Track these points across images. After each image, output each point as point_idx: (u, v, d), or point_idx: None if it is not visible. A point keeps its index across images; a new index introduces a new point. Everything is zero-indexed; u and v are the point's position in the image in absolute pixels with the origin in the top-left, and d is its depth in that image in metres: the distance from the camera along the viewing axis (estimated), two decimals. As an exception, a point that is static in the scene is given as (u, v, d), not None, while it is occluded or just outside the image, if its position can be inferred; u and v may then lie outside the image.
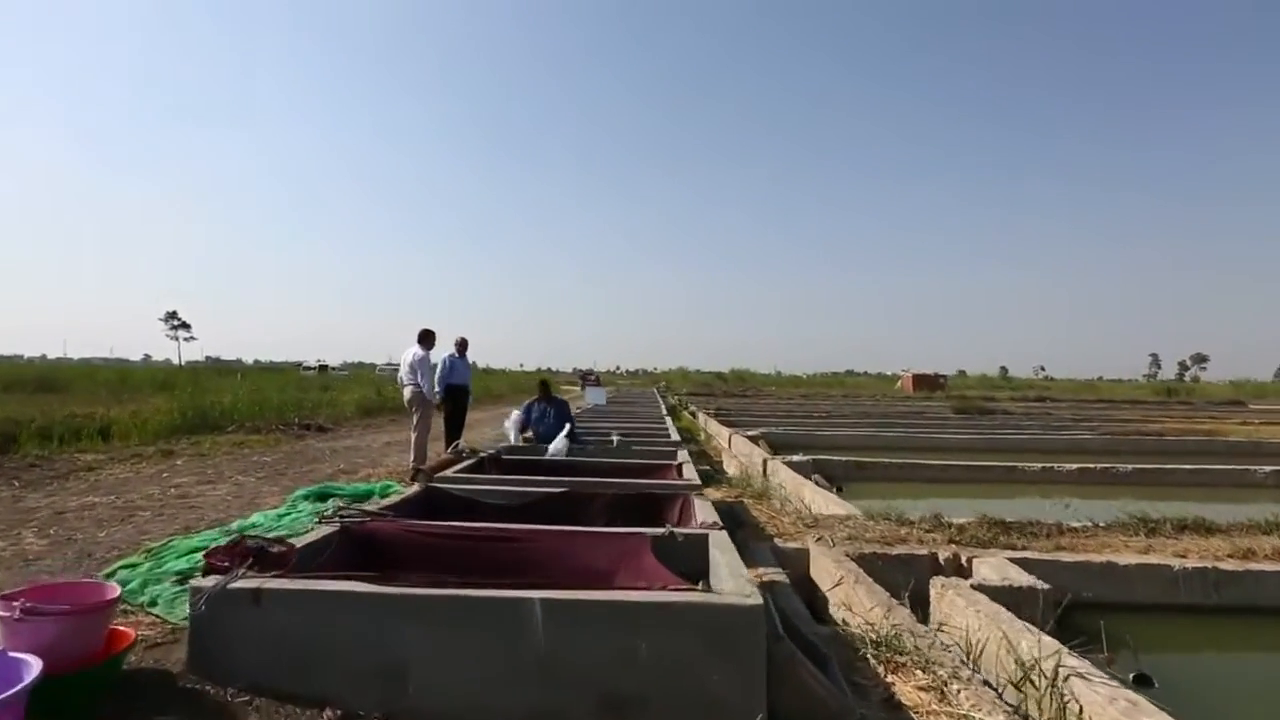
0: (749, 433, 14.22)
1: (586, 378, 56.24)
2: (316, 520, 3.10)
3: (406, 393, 6.52)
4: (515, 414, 6.78)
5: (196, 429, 9.30)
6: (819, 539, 4.87)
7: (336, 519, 3.03)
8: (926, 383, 49.72)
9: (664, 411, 18.81)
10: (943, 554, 4.71)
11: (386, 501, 3.74)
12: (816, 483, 8.67)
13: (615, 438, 6.77)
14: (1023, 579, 4.08)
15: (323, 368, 48.10)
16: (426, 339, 6.72)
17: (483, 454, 5.71)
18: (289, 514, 4.26)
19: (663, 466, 5.64)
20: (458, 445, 7.06)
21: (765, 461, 9.78)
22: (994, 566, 4.51)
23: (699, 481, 4.82)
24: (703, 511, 3.91)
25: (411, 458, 6.48)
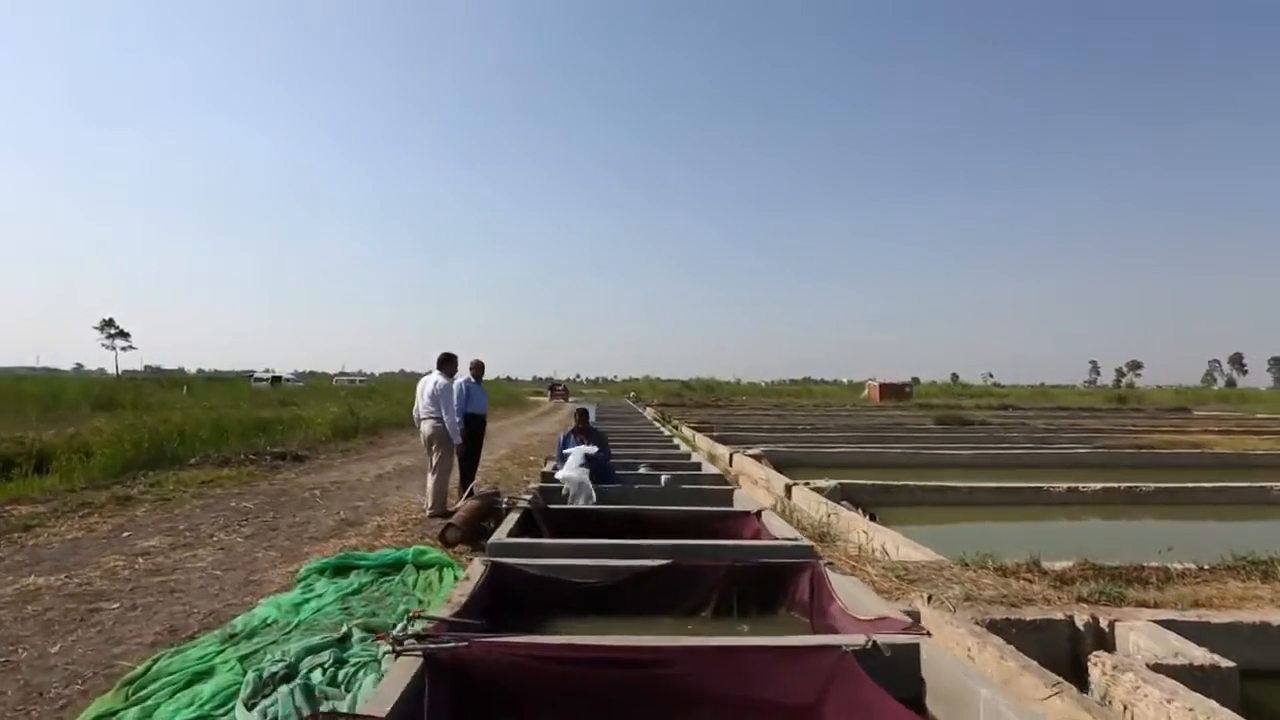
0: (750, 451, 13.61)
1: (555, 388, 55.07)
2: (386, 650, 2.22)
3: (425, 428, 5.55)
4: (573, 458, 5.86)
5: (154, 462, 8.04)
6: (932, 598, 4.22)
7: (415, 649, 2.16)
8: (893, 392, 50.43)
9: (659, 426, 18.06)
10: (1079, 617, 4.09)
11: (456, 596, 2.86)
12: (846, 507, 8.09)
13: (664, 477, 5.97)
14: (1195, 653, 3.49)
15: (276, 379, 45.40)
16: (449, 364, 5.75)
17: (522, 504, 4.84)
18: (307, 600, 3.31)
19: (739, 516, 4.88)
20: (475, 487, 6.14)
21: (789, 488, 9.14)
22: (1147, 634, 3.88)
23: (805, 541, 4.08)
24: (849, 590, 3.19)
25: (429, 504, 5.52)
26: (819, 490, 8.99)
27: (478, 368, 6.38)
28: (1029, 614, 4.08)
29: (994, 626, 3.96)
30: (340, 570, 3.84)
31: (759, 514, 4.85)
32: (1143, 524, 9.17)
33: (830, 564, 3.56)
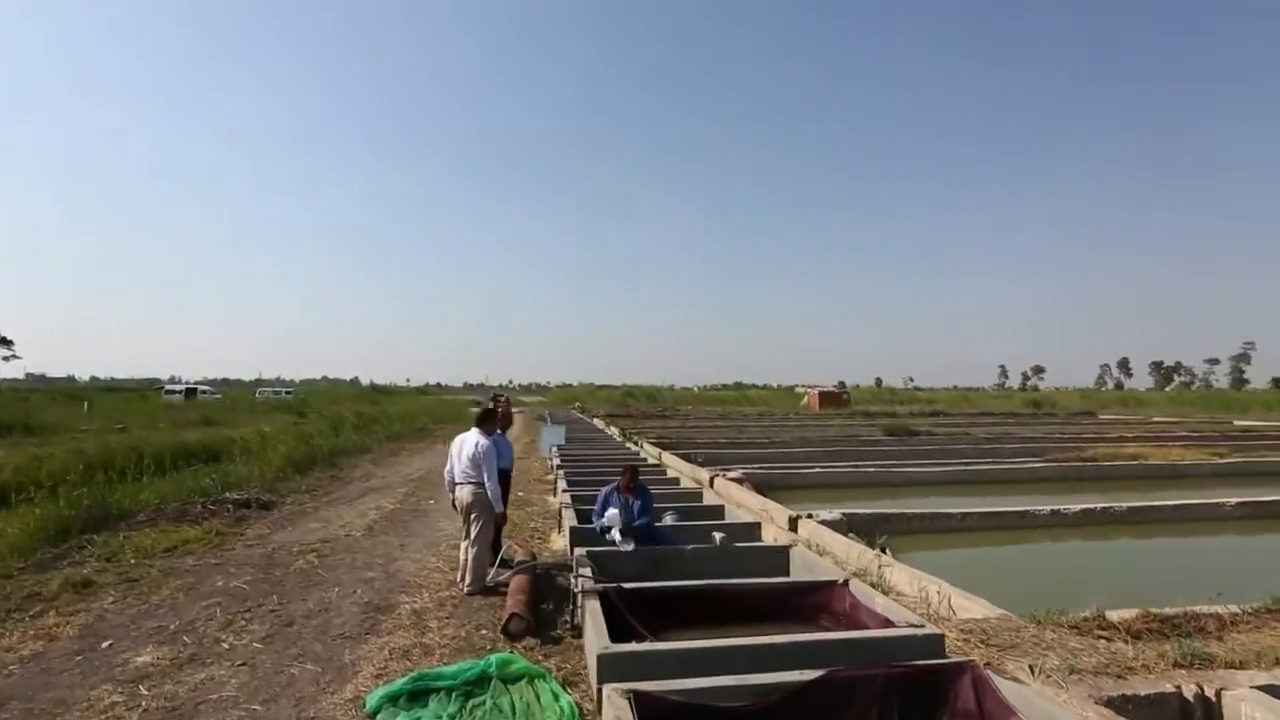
0: (731, 474, 13.42)
1: (497, 400, 53.40)
2: None
3: (464, 494, 4.88)
4: (611, 513, 5.33)
5: (97, 524, 6.85)
6: (1035, 670, 4.04)
7: None
8: (832, 399, 52.11)
9: (631, 447, 17.58)
10: (1186, 687, 4.01)
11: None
12: (854, 539, 7.97)
13: (718, 536, 5.54)
14: None
15: (190, 390, 41.50)
16: (489, 422, 5.09)
17: (587, 585, 4.30)
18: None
19: (827, 588, 4.54)
20: (508, 552, 5.53)
21: (794, 520, 8.96)
22: (1259, 704, 3.82)
23: (933, 629, 3.78)
24: (1023, 698, 2.91)
25: (467, 581, 4.86)
26: (827, 524, 8.86)
27: (505, 416, 5.75)
28: (1139, 686, 3.96)
29: (1112, 704, 3.82)
30: (416, 696, 3.20)
31: (847, 583, 4.53)
32: (1121, 544, 9.59)
33: (988, 664, 3.28)
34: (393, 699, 3.15)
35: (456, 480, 4.97)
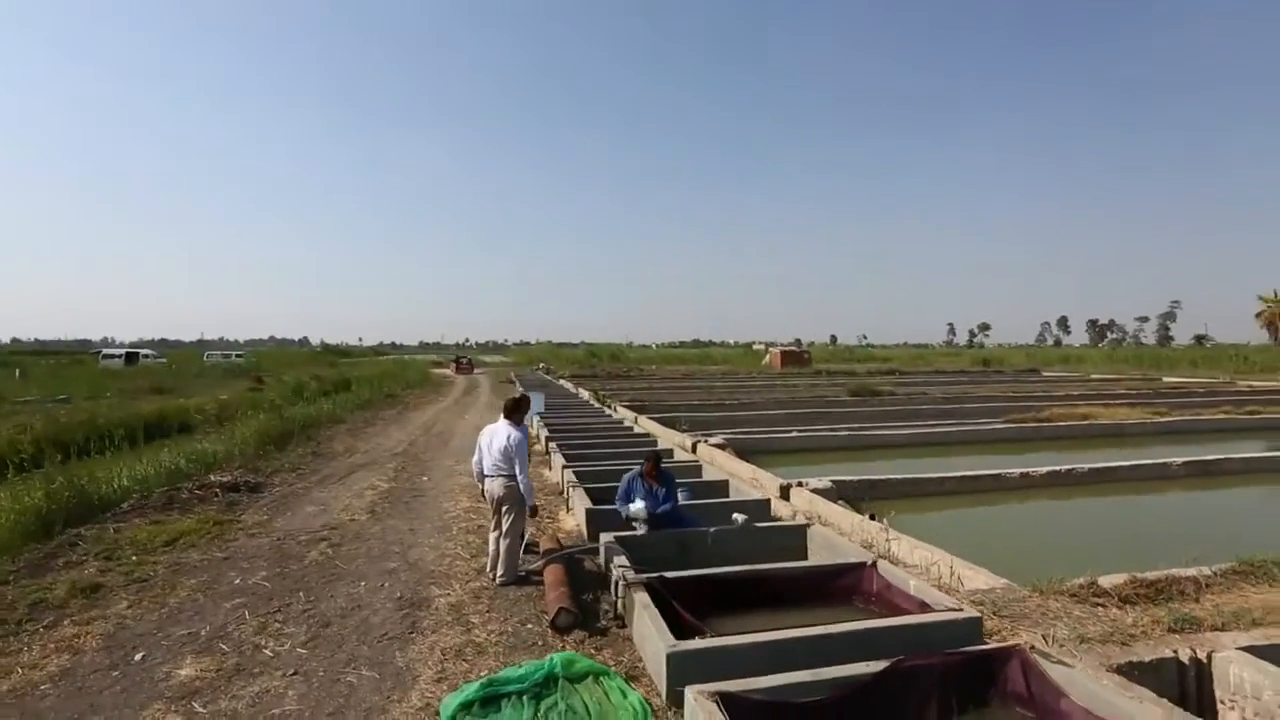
0: (712, 440, 13.69)
1: (460, 362, 52.35)
2: None
3: (495, 487, 4.80)
4: (637, 506, 5.34)
5: (80, 517, 6.49)
6: (1049, 639, 4.35)
7: None
8: (793, 359, 53.14)
9: (609, 413, 17.59)
10: (1183, 652, 4.37)
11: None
12: (842, 507, 8.30)
13: (738, 517, 5.66)
14: None
15: (131, 355, 39.07)
16: (519, 411, 4.98)
17: (628, 575, 4.35)
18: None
19: (857, 569, 4.71)
20: (531, 538, 5.53)
21: (787, 490, 9.23)
22: (1246, 665, 4.17)
23: (971, 611, 3.99)
24: (1075, 682, 3.13)
25: (500, 572, 4.83)
26: (817, 491, 9.17)
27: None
28: (1141, 653, 4.29)
29: (1121, 670, 4.15)
30: (489, 702, 3.21)
31: (875, 564, 4.72)
32: (1084, 503, 10.27)
33: (1033, 647, 3.49)
34: (466, 706, 3.16)
35: (486, 473, 4.89)
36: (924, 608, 4.07)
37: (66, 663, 3.73)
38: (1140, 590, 5.34)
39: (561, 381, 34.54)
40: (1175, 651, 4.32)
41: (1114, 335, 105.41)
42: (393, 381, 27.70)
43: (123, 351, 39.48)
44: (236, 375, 35.28)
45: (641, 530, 5.43)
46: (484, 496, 5.07)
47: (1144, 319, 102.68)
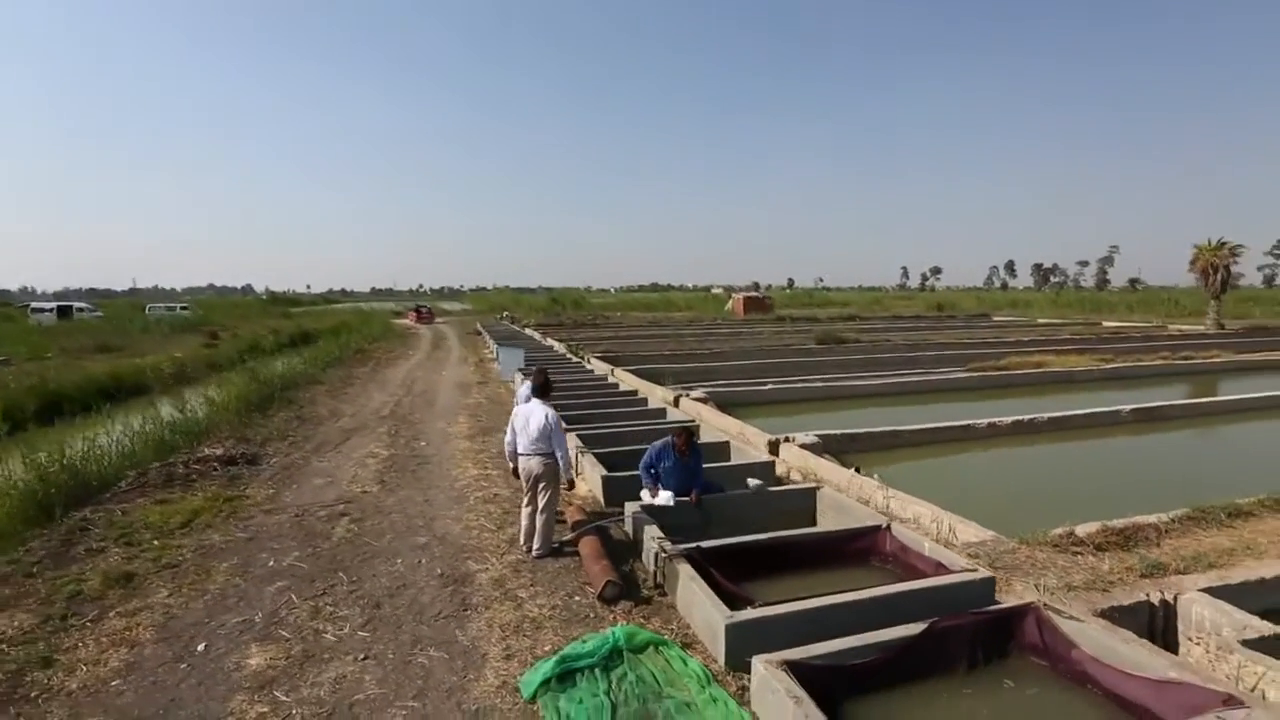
0: (694, 394, 14.03)
1: (421, 311, 51.01)
2: None
3: (533, 465, 4.91)
4: (665, 495, 5.50)
5: (79, 500, 6.32)
6: (1041, 588, 4.84)
7: None
8: (755, 305, 53.88)
9: (590, 368, 17.65)
10: (1154, 595, 4.93)
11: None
12: (828, 460, 8.79)
13: (752, 482, 5.93)
14: (1258, 624, 4.38)
15: (64, 308, 36.59)
16: (549, 389, 5.07)
17: (670, 546, 4.60)
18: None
19: (873, 532, 5.08)
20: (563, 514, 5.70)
21: (777, 445, 9.65)
22: (1206, 606, 4.68)
23: (985, 571, 4.40)
24: (1085, 634, 3.55)
25: (536, 545, 5.01)
26: (805, 446, 9.61)
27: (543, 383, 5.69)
28: (1119, 597, 4.83)
29: (1104, 614, 4.68)
30: (564, 677, 3.44)
31: (889, 527, 5.10)
32: (1046, 449, 11.06)
33: (1046, 605, 3.91)
34: (545, 684, 3.38)
35: (522, 452, 4.99)
36: (939, 568, 4.47)
37: (128, 657, 3.77)
38: (1111, 538, 5.91)
39: (528, 331, 34.28)
40: (1147, 595, 4.86)
41: (1057, 279, 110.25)
42: (358, 335, 26.94)
43: (54, 305, 36.93)
44: (185, 330, 33.64)
45: (664, 499, 5.63)
46: (517, 475, 5.19)
47: (1084, 263, 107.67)
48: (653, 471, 5.66)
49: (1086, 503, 7.83)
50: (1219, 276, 29.47)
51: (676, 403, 13.41)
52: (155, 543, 5.39)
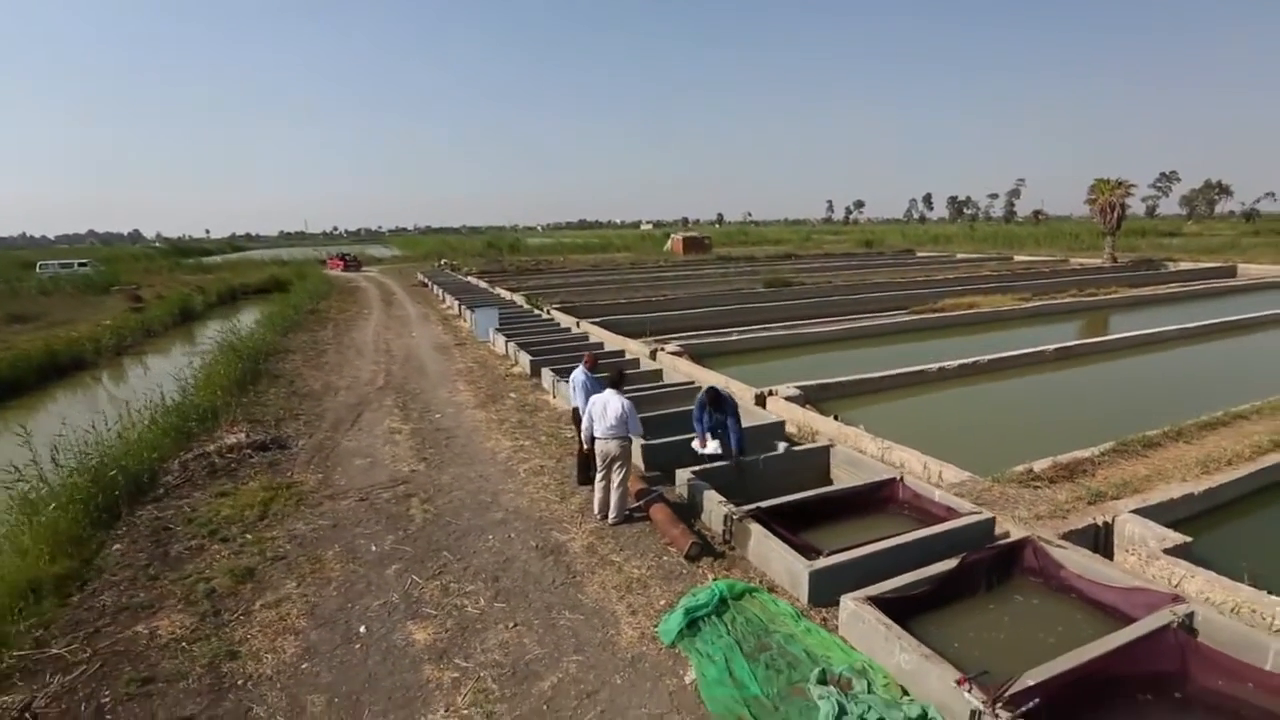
0: (670, 348, 14.87)
1: (346, 259, 48.49)
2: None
3: (611, 447, 5.58)
4: (712, 447, 6.30)
5: (135, 497, 6.46)
6: (1019, 520, 6.08)
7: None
8: (695, 245, 54.67)
9: (567, 326, 17.95)
10: (1098, 518, 6.26)
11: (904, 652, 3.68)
12: (811, 410, 9.93)
13: (782, 445, 6.81)
14: (1173, 535, 5.72)
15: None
16: (624, 381, 5.78)
17: (735, 509, 5.46)
18: (757, 669, 3.80)
19: (889, 484, 6.13)
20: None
21: (763, 398, 10.69)
22: (1137, 524, 5.98)
23: (987, 513, 5.50)
24: (1070, 559, 4.72)
25: (611, 514, 5.76)
26: (790, 399, 10.68)
27: (594, 361, 6.31)
28: (1074, 522, 6.12)
29: (1066, 537, 5.96)
30: (691, 625, 4.29)
31: (901, 479, 6.17)
32: (988, 388, 12.68)
33: (1039, 537, 5.06)
34: (679, 632, 4.21)
35: (599, 435, 5.66)
36: (951, 512, 5.57)
37: (299, 643, 4.29)
38: (1060, 472, 7.24)
39: (472, 280, 33.69)
40: (1094, 519, 6.17)
41: (970, 211, 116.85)
42: (302, 293, 25.82)
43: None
44: (93, 291, 30.97)
45: (712, 449, 6.42)
46: (591, 453, 5.85)
47: (994, 195, 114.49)
48: (702, 422, 6.44)
49: (1029, 436, 9.36)
50: (1115, 214, 32.58)
51: (653, 355, 14.19)
52: (247, 536, 5.76)
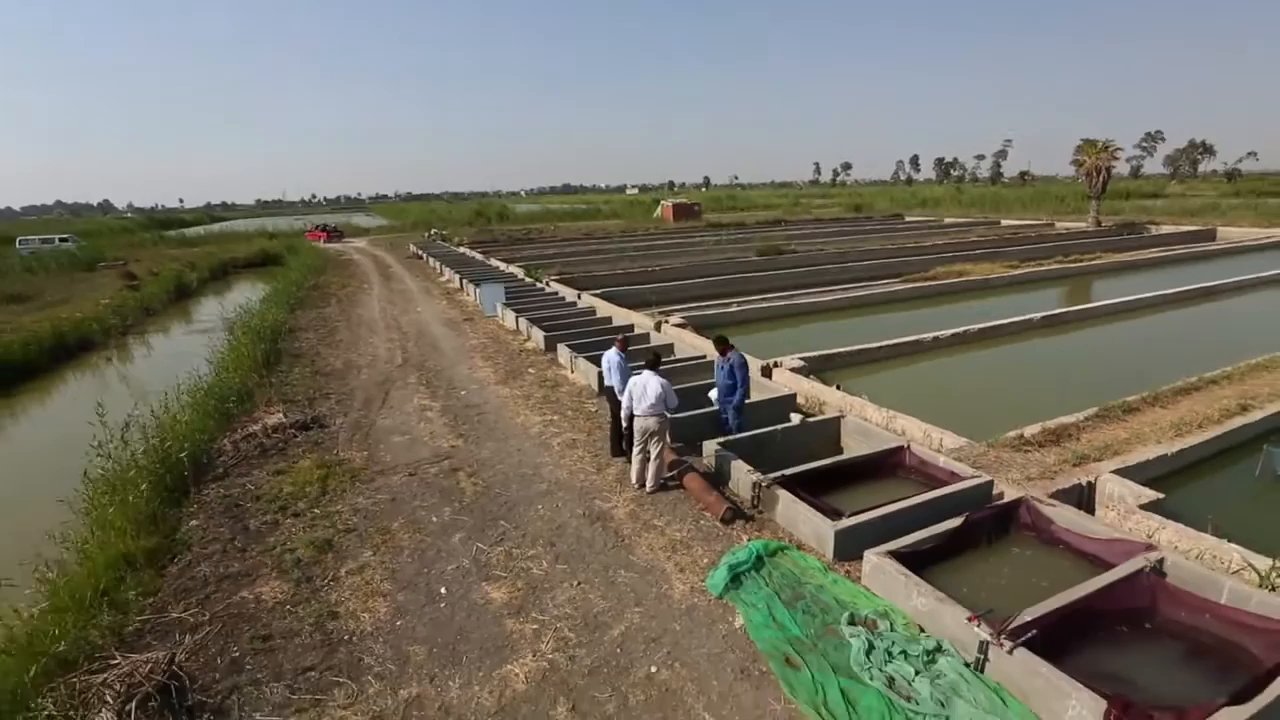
0: (674, 320, 15.39)
1: (329, 230, 47.88)
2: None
3: (651, 424, 6.13)
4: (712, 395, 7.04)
5: (196, 478, 6.93)
6: (1013, 483, 6.76)
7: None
8: (685, 212, 54.64)
9: (573, 301, 18.29)
10: (1082, 479, 6.95)
11: (926, 598, 4.33)
12: (814, 381, 10.55)
13: (796, 417, 7.40)
14: (1147, 492, 6.43)
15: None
16: (657, 365, 6.34)
17: (762, 477, 6.06)
18: (794, 612, 4.44)
19: (898, 452, 6.76)
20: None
21: (769, 369, 11.28)
22: (1116, 484, 6.66)
23: (986, 475, 6.15)
24: (1061, 515, 5.40)
25: (649, 483, 6.34)
26: (795, 370, 11.28)
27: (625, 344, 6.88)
28: (1061, 483, 6.81)
29: (1054, 495, 6.66)
30: (734, 580, 4.91)
31: (909, 446, 6.80)
32: (979, 355, 13.37)
33: (1032, 497, 5.72)
34: (725, 585, 4.84)
35: (638, 413, 6.20)
36: (954, 476, 6.22)
37: (388, 604, 4.87)
38: (1048, 437, 7.91)
39: (465, 251, 33.70)
40: (1079, 479, 6.85)
41: (957, 173, 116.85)
42: (300, 268, 25.81)
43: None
44: (79, 267, 30.62)
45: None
46: (631, 429, 6.41)
47: (981, 156, 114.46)
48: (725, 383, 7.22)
49: (1019, 402, 10.05)
50: (1101, 178, 33.14)
51: (659, 327, 14.69)
52: (315, 510, 6.28)
